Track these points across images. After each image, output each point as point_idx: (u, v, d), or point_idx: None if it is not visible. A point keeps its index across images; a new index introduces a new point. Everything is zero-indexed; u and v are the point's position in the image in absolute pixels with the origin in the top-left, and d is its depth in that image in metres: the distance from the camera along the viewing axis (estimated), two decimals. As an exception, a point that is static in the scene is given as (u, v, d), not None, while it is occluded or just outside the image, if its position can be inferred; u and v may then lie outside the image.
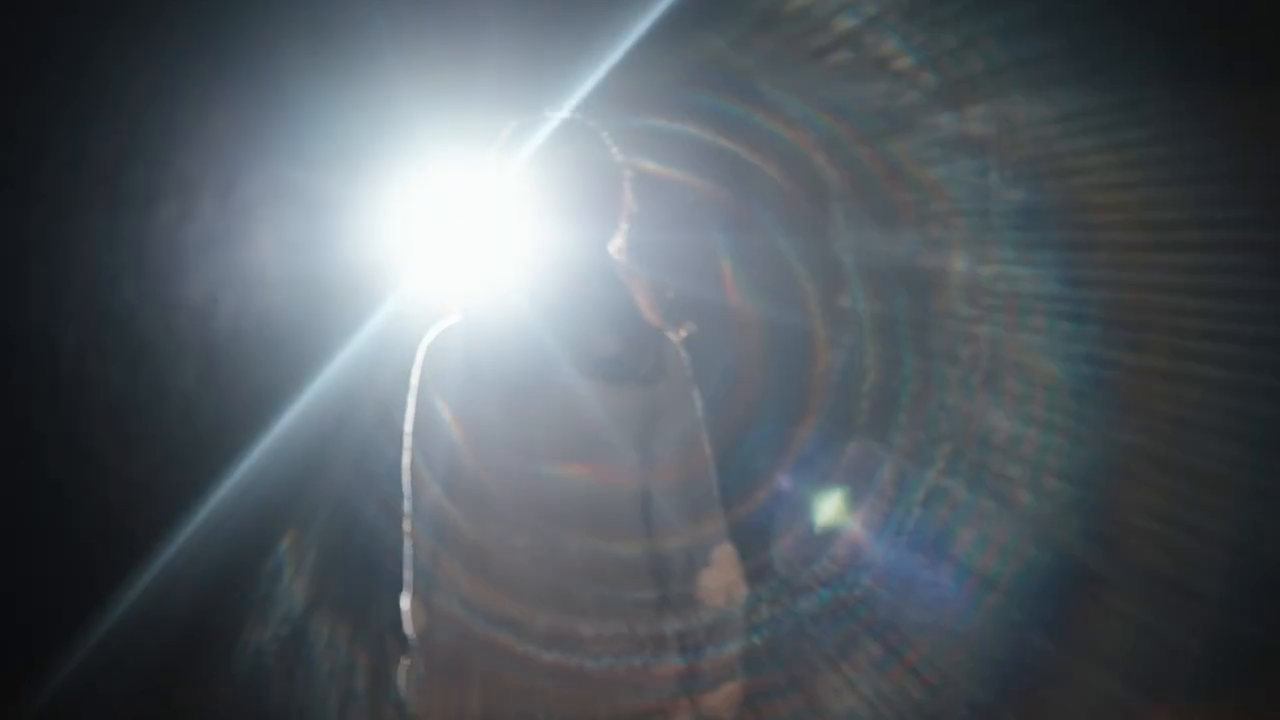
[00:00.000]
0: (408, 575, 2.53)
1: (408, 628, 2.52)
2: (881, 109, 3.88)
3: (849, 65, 3.78)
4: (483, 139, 3.58)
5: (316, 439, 3.44)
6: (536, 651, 2.39)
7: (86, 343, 2.80)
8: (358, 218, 3.57)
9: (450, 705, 2.43)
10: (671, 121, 4.08)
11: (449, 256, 3.66)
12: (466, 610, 2.44)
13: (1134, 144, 3.21)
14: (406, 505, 2.51)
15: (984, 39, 3.38)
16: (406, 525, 2.51)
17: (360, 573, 3.68)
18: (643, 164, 2.59)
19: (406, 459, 2.49)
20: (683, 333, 2.53)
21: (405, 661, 2.54)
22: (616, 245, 2.54)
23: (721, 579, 2.46)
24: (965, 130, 3.65)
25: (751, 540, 4.14)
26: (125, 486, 2.91)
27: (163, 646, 2.88)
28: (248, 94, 3.19)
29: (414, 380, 2.48)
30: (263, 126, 3.25)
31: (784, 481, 3.89)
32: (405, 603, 2.53)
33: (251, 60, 3.19)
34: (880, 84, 3.76)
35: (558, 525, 2.42)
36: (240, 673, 3.28)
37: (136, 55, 2.80)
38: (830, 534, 3.74)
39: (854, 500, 3.82)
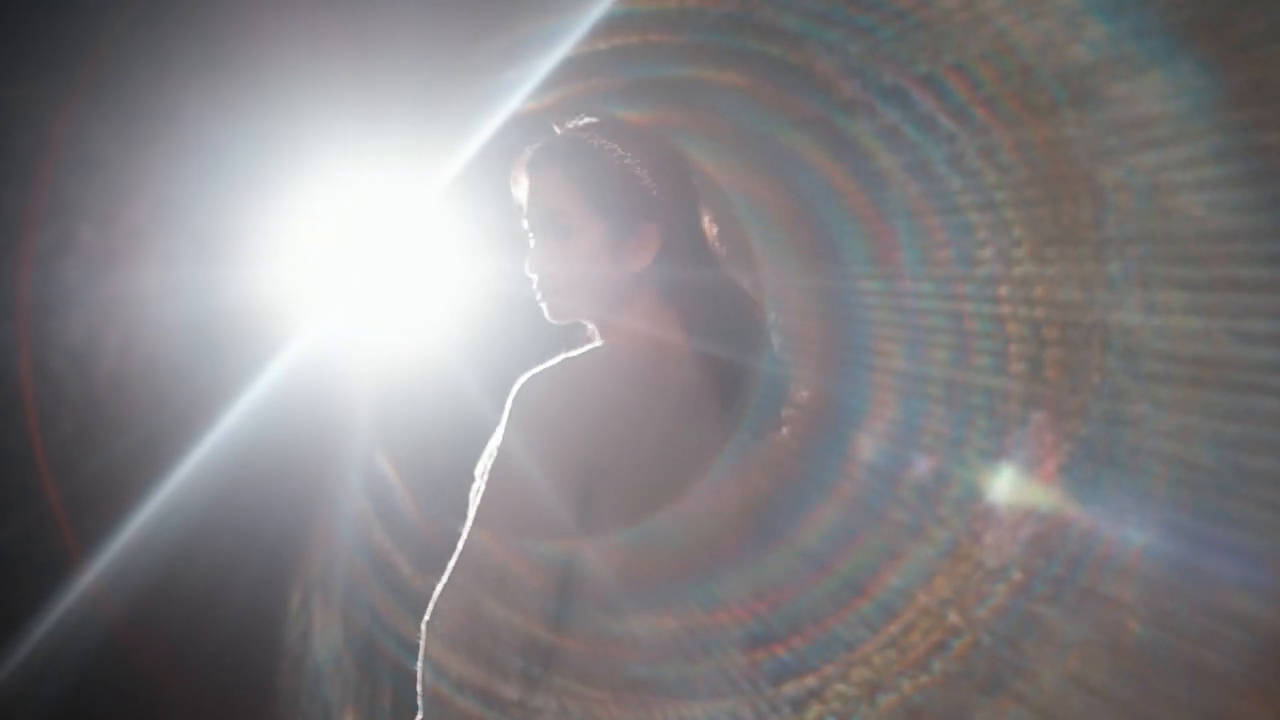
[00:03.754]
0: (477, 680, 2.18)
1: None
2: (1015, 72, 3.20)
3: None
4: (405, 152, 3.54)
5: (211, 498, 3.30)
6: None
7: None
8: (260, 247, 3.45)
9: None
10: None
11: (369, 290, 3.57)
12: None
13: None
14: (491, 583, 2.18)
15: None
16: (509, 616, 2.18)
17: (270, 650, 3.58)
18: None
19: (509, 521, 2.19)
20: None
21: None
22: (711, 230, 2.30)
23: None
24: (1138, 111, 2.98)
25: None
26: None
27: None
28: (134, 105, 3.15)
29: (551, 424, 2.17)
30: (151, 142, 3.20)
31: (921, 465, 3.57)
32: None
33: (137, 67, 3.14)
34: (1021, 32, 3.13)
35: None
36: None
37: (3, 63, 2.72)
38: (1021, 512, 3.36)
39: (1027, 472, 3.39)
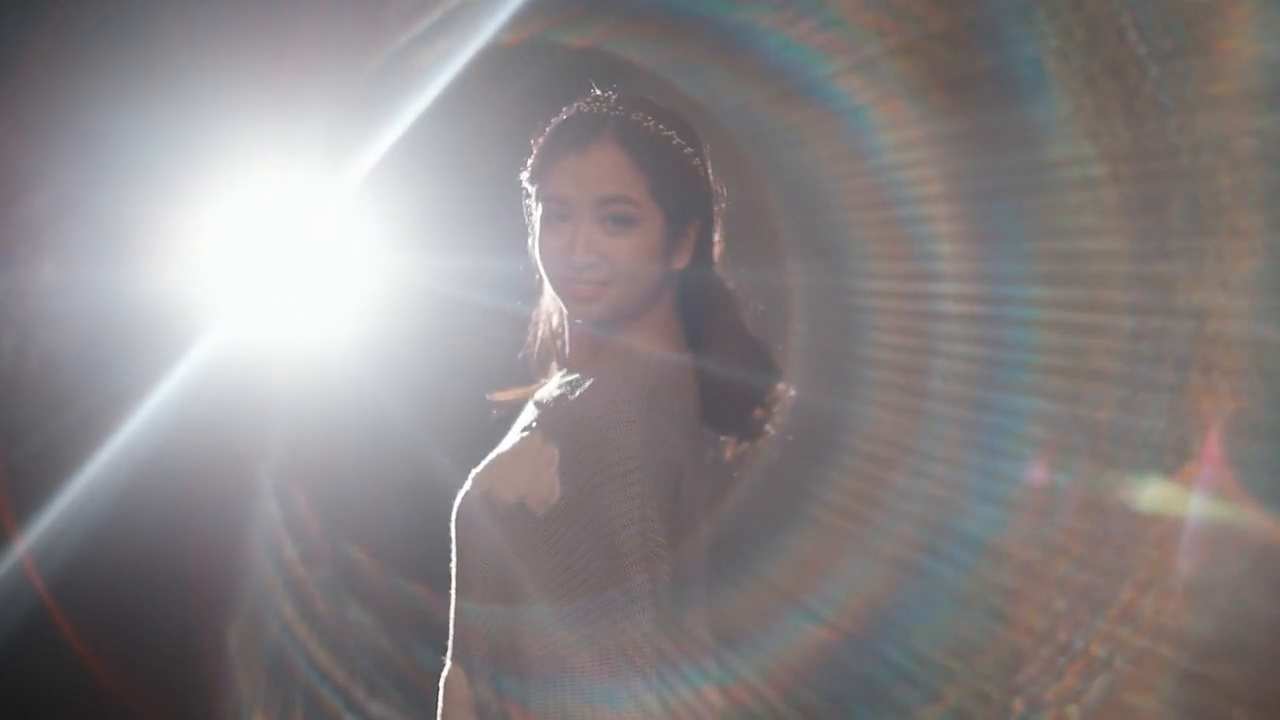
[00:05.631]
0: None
1: None
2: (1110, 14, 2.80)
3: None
4: (320, 140, 3.47)
5: (112, 512, 3.23)
6: None
7: None
8: (168, 241, 3.35)
9: None
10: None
11: (284, 286, 3.49)
12: None
13: None
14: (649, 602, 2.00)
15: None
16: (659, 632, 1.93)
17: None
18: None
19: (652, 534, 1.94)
20: None
21: None
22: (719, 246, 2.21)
23: None
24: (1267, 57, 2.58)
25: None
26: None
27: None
28: (31, 94, 3.09)
29: (641, 436, 2.00)
30: (50, 129, 3.14)
31: (1039, 471, 3.26)
32: None
33: (36, 56, 3.08)
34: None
35: None
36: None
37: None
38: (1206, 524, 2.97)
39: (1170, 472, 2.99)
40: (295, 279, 3.52)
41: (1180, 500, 2.81)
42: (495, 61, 3.46)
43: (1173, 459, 2.81)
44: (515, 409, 2.23)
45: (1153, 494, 2.86)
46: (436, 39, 3.47)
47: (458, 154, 3.47)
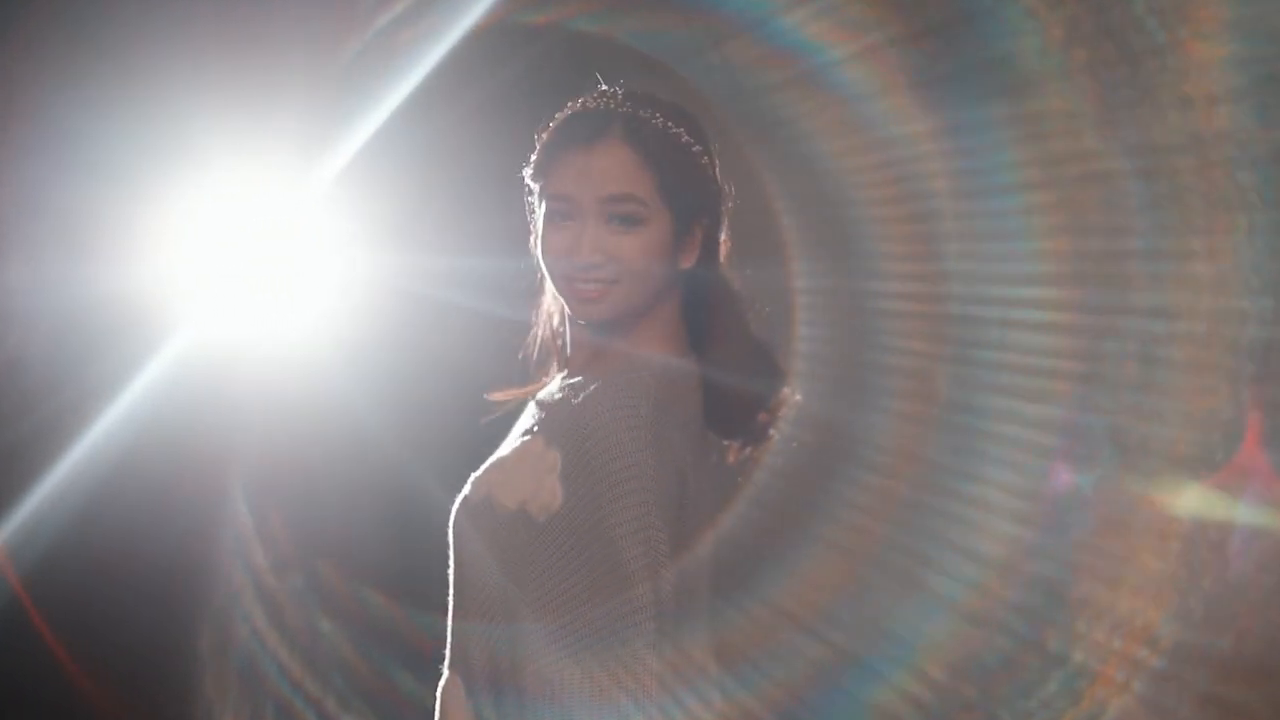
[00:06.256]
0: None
1: None
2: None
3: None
4: (294, 135, 3.41)
5: (82, 513, 3.21)
6: None
7: None
8: (137, 239, 3.32)
9: None
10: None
11: (257, 285, 3.45)
12: None
13: None
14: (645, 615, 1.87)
15: None
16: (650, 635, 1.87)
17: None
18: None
19: (651, 539, 1.89)
20: None
21: None
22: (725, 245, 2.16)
23: None
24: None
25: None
26: None
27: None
28: None
29: (644, 437, 1.91)
30: (16, 124, 3.12)
31: (1062, 476, 3.17)
32: None
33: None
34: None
35: None
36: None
37: None
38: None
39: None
40: (268, 278, 3.49)
41: (1206, 509, 2.78)
42: (476, 50, 3.42)
43: (1201, 468, 2.78)
44: (506, 413, 2.18)
45: (1178, 503, 2.82)
46: (414, 23, 3.43)
47: (435, 149, 3.43)
